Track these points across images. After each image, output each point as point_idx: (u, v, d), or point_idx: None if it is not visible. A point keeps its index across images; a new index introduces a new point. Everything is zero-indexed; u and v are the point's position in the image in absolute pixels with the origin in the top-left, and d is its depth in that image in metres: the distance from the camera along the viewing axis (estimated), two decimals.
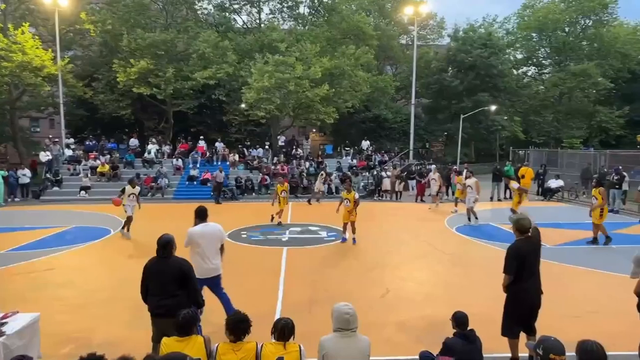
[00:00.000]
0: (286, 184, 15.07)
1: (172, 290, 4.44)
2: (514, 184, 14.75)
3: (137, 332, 5.84)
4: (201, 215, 5.86)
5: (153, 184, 22.10)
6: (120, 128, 31.62)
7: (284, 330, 3.51)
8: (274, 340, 3.54)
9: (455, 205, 17.07)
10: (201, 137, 27.66)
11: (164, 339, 3.54)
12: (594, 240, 11.18)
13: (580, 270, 8.90)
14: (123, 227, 12.40)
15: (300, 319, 5.96)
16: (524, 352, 4.74)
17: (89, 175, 22.39)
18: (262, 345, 3.48)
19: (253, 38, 29.20)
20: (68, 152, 24.61)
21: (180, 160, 24.66)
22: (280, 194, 14.20)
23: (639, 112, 37.49)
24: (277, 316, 6.26)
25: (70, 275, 8.69)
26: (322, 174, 22.72)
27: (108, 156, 24.49)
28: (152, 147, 25.68)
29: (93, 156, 24.15)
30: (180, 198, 21.56)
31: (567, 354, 3.36)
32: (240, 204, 20.33)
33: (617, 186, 16.73)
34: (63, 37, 26.91)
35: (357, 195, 11.49)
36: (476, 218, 14.12)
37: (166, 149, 26.26)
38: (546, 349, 2.83)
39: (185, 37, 28.32)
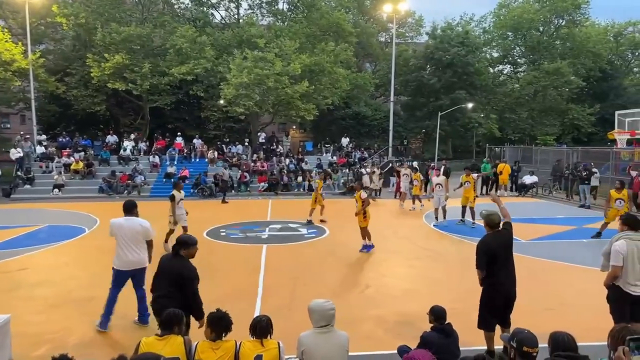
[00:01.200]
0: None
1: (169, 289, 4.43)
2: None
3: (113, 333, 5.75)
4: (125, 208, 5.99)
5: (129, 181, 21.69)
6: (95, 124, 30.91)
7: (257, 328, 3.52)
8: (252, 339, 3.53)
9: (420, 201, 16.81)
10: (179, 133, 27.29)
11: (144, 338, 3.49)
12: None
13: (553, 264, 9.15)
14: (167, 241, 10.15)
15: (281, 316, 5.97)
16: (499, 345, 4.86)
17: (63, 172, 21.82)
18: (240, 344, 3.48)
19: (231, 33, 28.92)
20: (40, 149, 23.90)
21: (157, 157, 24.26)
22: (320, 190, 14.06)
23: (610, 110, 38.63)
24: (257, 314, 6.25)
25: (44, 275, 8.46)
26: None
27: (82, 153, 23.91)
28: (128, 144, 25.18)
29: (66, 153, 23.53)
30: (157, 196, 21.17)
31: (540, 345, 3.47)
32: (219, 202, 20.13)
33: (586, 181, 17.25)
34: (34, 31, 26.11)
35: (364, 194, 10.31)
36: (444, 217, 13.67)
37: (142, 145, 25.79)
38: (519, 341, 2.91)
39: (162, 31, 27.83)
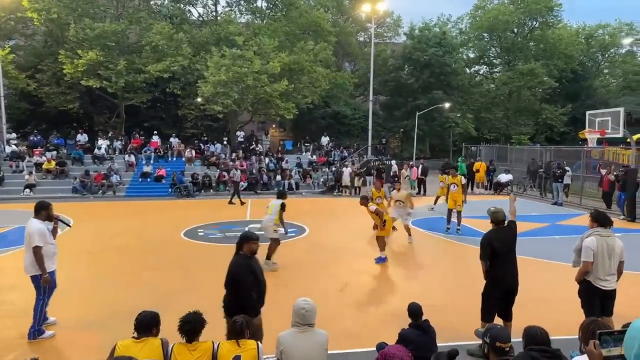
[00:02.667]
0: (382, 189, 12.04)
1: (226, 288, 4.46)
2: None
3: (86, 335, 5.61)
4: (34, 209, 5.70)
5: (104, 181, 21.21)
6: (68, 122, 30.08)
7: (232, 329, 3.50)
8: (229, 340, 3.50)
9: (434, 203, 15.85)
10: (155, 132, 26.81)
11: (120, 341, 3.42)
12: None
13: (527, 260, 9.34)
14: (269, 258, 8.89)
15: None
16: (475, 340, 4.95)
17: (34, 172, 21.16)
18: (218, 345, 3.44)
19: (209, 31, 28.57)
20: (10, 148, 23.12)
21: (132, 156, 23.78)
22: (375, 200, 10.99)
23: (581, 110, 39.78)
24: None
25: (14, 277, 8.18)
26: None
27: (54, 152, 23.24)
28: (102, 143, 24.60)
29: (38, 152, 22.83)
30: (133, 196, 20.82)
31: (514, 339, 3.54)
32: (197, 201, 19.89)
33: (559, 179, 17.73)
34: (3, 26, 25.27)
35: (372, 207, 9.15)
36: (409, 235, 11.27)
37: (118, 144, 25.23)
38: (493, 337, 2.98)
39: (138, 28, 27.29)
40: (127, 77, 25.57)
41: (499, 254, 5.08)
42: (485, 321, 5.11)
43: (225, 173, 22.97)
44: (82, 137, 25.37)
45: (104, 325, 5.80)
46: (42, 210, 5.68)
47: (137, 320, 3.54)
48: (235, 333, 3.48)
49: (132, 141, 25.41)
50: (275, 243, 8.88)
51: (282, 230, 9.14)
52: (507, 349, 2.92)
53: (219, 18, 31.19)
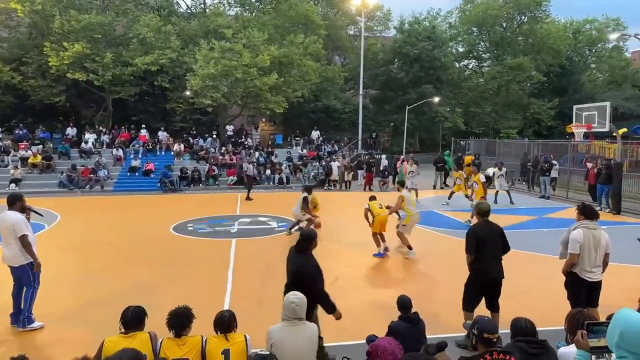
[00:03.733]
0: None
1: (296, 286, 4.30)
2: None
3: (74, 330, 5.55)
4: (7, 201, 5.65)
5: (91, 175, 20.97)
6: (54, 116, 29.59)
7: (220, 323, 3.48)
8: (217, 334, 3.50)
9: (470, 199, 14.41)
10: (143, 125, 26.53)
11: (107, 337, 3.39)
12: None
13: (514, 252, 9.38)
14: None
15: (250, 310, 5.94)
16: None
17: (19, 166, 20.83)
18: (206, 340, 3.44)
19: (198, 23, 28.26)
20: None
21: (120, 150, 23.51)
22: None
23: (568, 105, 40.14)
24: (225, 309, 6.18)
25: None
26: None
27: (40, 146, 22.89)
28: (89, 137, 24.28)
29: (23, 146, 22.45)
30: (121, 190, 20.62)
31: (502, 331, 3.59)
32: (187, 196, 19.77)
33: (547, 173, 17.94)
34: None
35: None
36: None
37: (105, 138, 24.92)
38: (480, 328, 3.02)
39: (125, 20, 26.88)
40: (114, 70, 25.22)
41: (483, 246, 5.13)
42: (466, 310, 5.20)
43: (214, 167, 22.86)
44: (71, 131, 25.03)
45: (93, 321, 5.74)
46: (17, 202, 5.64)
47: (124, 315, 3.51)
48: (223, 327, 3.47)
49: (119, 135, 25.11)
50: (309, 223, 10.65)
51: (307, 216, 10.68)
52: (495, 339, 2.96)
53: (207, 10, 30.88)
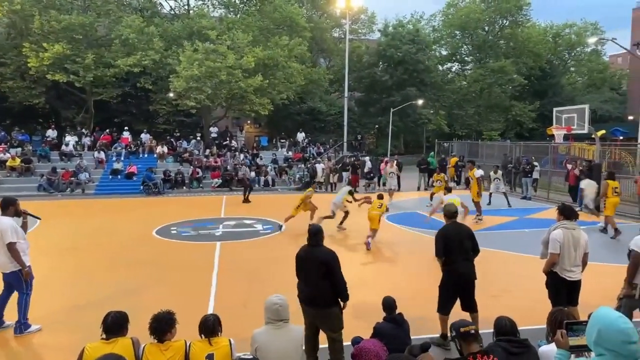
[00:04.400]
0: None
1: (314, 279, 4.35)
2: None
3: (56, 335, 5.44)
4: (1, 206, 5.55)
5: (72, 178, 20.57)
6: (33, 118, 29.00)
7: (204, 327, 3.44)
8: (201, 338, 3.46)
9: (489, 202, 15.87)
10: (125, 127, 26.16)
11: (88, 344, 3.33)
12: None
13: (497, 253, 9.61)
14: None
15: (235, 314, 5.90)
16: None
17: None
18: (190, 344, 3.40)
19: (181, 25, 28.00)
20: None
21: (102, 153, 23.14)
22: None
23: (548, 107, 41.06)
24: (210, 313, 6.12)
25: None
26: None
27: (19, 149, 22.38)
28: (70, 139, 23.82)
29: (2, 149, 21.94)
30: (103, 193, 20.30)
31: (486, 330, 3.63)
32: (170, 199, 19.54)
33: (528, 175, 18.25)
34: None
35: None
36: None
37: (86, 140, 24.49)
38: (456, 327, 3.09)
39: (107, 21, 26.49)
40: (95, 72, 24.81)
41: (453, 248, 5.14)
42: (440, 313, 5.21)
43: (198, 170, 22.65)
44: (51, 133, 24.52)
45: (75, 326, 5.63)
46: (10, 206, 5.52)
47: (106, 321, 3.45)
48: (207, 331, 3.43)
49: (101, 137, 24.71)
50: (346, 214, 12.02)
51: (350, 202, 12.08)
52: (472, 331, 2.99)
53: (191, 12, 30.62)
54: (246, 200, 17.83)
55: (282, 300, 3.61)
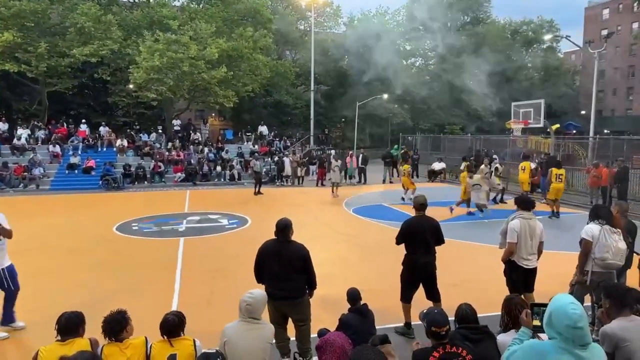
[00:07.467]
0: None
1: (290, 273, 4.40)
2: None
3: (12, 341, 5.18)
4: None
5: (25, 173, 19.59)
6: None
7: (164, 327, 3.32)
8: (163, 338, 3.34)
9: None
10: (83, 120, 25.12)
11: (42, 347, 3.18)
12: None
13: (458, 243, 9.89)
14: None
15: (200, 312, 5.80)
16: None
17: None
18: (151, 346, 3.29)
19: (141, 14, 27.10)
20: None
21: (57, 146, 22.12)
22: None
23: (507, 103, 42.51)
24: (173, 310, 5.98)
25: None
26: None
27: None
28: (22, 132, 22.64)
29: None
30: (58, 189, 19.43)
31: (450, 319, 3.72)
32: (131, 194, 18.96)
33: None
34: None
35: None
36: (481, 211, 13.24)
37: (40, 134, 23.34)
38: (429, 322, 3.07)
39: (61, 8, 25.18)
40: (49, 61, 23.60)
41: (414, 239, 5.27)
42: (402, 301, 5.37)
43: (160, 164, 22.06)
44: (2, 126, 23.21)
45: (33, 331, 5.39)
46: None
47: (59, 322, 3.30)
48: (167, 331, 3.31)
49: (57, 130, 23.60)
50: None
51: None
52: (443, 332, 3.01)
53: (151, 0, 29.62)
54: (258, 193, 18.10)
55: (253, 299, 3.54)
